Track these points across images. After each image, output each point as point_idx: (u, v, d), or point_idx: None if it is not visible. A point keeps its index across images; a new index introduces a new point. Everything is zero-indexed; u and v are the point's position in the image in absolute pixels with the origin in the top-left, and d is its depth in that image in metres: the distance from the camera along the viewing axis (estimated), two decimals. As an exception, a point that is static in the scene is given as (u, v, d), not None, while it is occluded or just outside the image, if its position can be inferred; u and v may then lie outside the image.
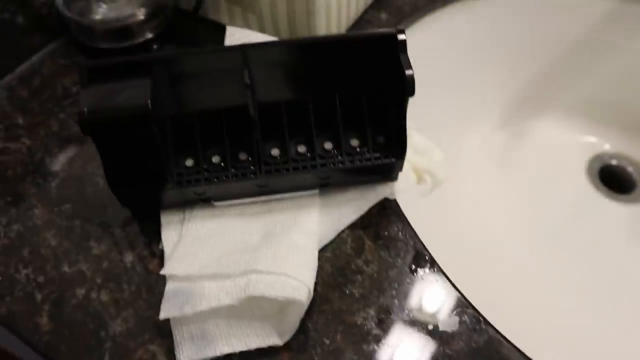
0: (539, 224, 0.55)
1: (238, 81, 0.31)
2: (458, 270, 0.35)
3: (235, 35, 0.37)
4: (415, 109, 0.50)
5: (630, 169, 0.60)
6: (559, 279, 0.51)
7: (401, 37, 0.30)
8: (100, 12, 0.42)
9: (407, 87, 0.29)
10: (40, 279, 0.32)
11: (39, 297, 0.32)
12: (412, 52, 0.50)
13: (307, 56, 0.31)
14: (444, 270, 0.33)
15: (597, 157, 0.61)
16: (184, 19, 0.46)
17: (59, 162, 0.38)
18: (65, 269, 0.33)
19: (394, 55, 0.30)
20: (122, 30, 0.42)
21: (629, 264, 0.52)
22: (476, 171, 0.57)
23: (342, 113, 0.33)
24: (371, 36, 0.30)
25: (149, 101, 0.29)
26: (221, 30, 0.40)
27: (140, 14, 0.42)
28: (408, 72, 0.29)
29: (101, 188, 0.36)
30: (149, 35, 0.44)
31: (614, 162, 0.60)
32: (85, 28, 0.42)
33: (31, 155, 0.38)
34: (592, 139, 0.61)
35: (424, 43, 0.51)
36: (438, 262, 0.33)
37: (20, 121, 0.40)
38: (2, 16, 0.41)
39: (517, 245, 0.52)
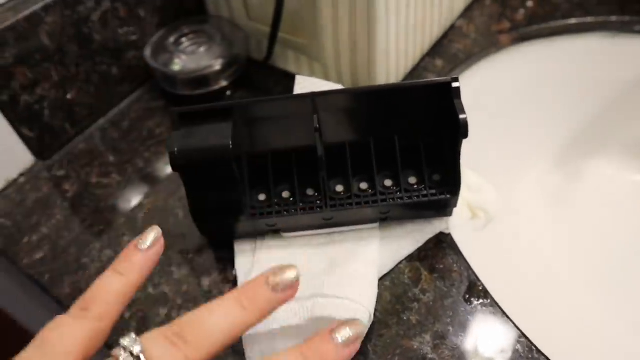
0: (597, 262, 0.55)
1: (308, 125, 0.34)
2: (513, 303, 0.37)
3: (304, 84, 0.41)
4: (471, 149, 0.52)
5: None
6: (618, 318, 0.50)
7: (455, 84, 0.33)
8: (182, 63, 0.47)
9: (461, 130, 0.32)
10: (129, 299, 0.36)
11: (127, 314, 0.36)
12: (466, 95, 0.53)
13: (369, 102, 0.35)
14: (499, 302, 0.35)
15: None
16: (255, 67, 0.51)
17: (144, 196, 0.42)
18: (150, 290, 0.37)
19: (449, 101, 0.33)
20: (200, 79, 0.47)
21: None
22: (532, 210, 0.58)
23: (401, 153, 0.36)
24: (428, 84, 0.33)
25: (230, 142, 0.33)
26: (288, 77, 0.44)
27: (217, 65, 0.47)
28: (462, 116, 0.32)
29: (181, 219, 0.40)
30: (224, 83, 0.48)
31: (672, 201, 0.60)
32: (169, 77, 0.47)
33: (120, 189, 0.43)
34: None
35: (479, 87, 0.54)
36: (495, 294, 0.35)
37: (112, 159, 0.45)
38: (101, 68, 0.47)
39: (574, 282, 0.53)
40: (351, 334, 0.25)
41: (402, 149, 0.36)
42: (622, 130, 0.61)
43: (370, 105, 0.35)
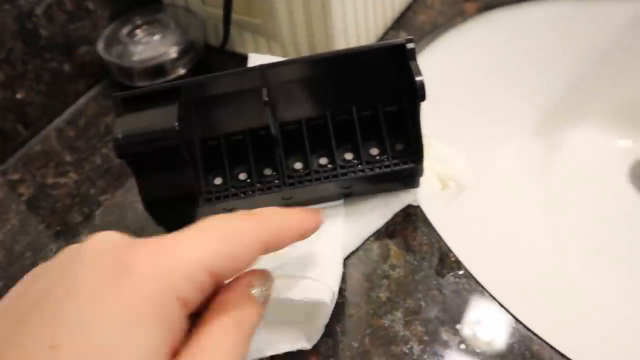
0: (581, 232, 0.54)
1: (259, 101, 0.32)
2: (491, 275, 0.35)
3: (257, 61, 0.39)
4: (446, 121, 0.51)
5: (674, 171, 0.58)
6: (603, 285, 0.49)
7: (410, 45, 0.31)
8: (137, 54, 0.46)
9: (419, 93, 0.30)
10: (86, 298, 0.35)
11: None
12: (435, 67, 0.51)
13: (322, 72, 0.33)
14: (475, 274, 0.33)
15: (639, 162, 0.59)
16: (213, 54, 0.49)
17: (102, 192, 0.41)
18: (109, 288, 0.35)
19: (404, 64, 0.31)
20: (157, 69, 0.46)
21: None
22: (511, 181, 0.56)
23: (360, 124, 0.34)
24: (381, 47, 0.32)
25: (176, 123, 0.31)
26: (247, 60, 0.42)
27: (173, 52, 0.46)
28: (418, 78, 0.30)
29: (139, 212, 0.39)
30: (182, 72, 0.47)
31: (656, 164, 0.59)
32: (124, 69, 0.46)
33: (78, 187, 0.41)
34: (632, 143, 0.60)
35: (447, 59, 0.52)
36: (469, 265, 0.33)
37: (68, 158, 0.44)
38: (51, 65, 0.45)
39: (558, 251, 0.51)
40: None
41: (362, 120, 0.34)
42: (598, 97, 0.59)
43: (323, 74, 0.33)
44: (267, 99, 0.31)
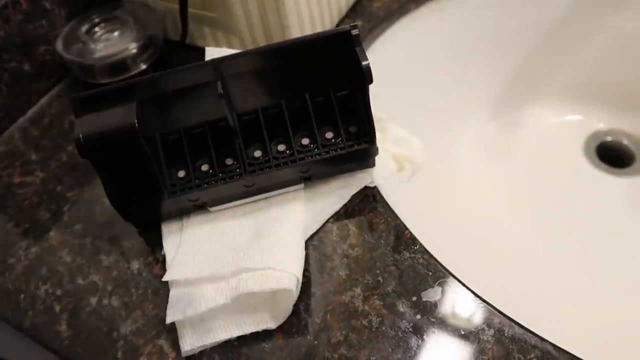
0: (540, 206, 0.56)
1: (215, 94, 0.34)
2: (450, 249, 0.37)
3: (214, 55, 0.40)
4: (405, 105, 0.52)
5: (626, 142, 0.60)
6: (566, 256, 0.51)
7: (354, 32, 0.32)
8: (97, 51, 0.46)
9: (366, 77, 0.32)
10: (58, 292, 0.36)
11: (57, 308, 0.35)
12: (391, 53, 0.52)
13: (273, 62, 0.34)
14: (430, 250, 0.35)
15: (593, 136, 0.61)
16: (174, 48, 0.50)
17: (69, 189, 0.41)
18: (80, 281, 0.36)
19: (351, 50, 0.33)
20: (118, 65, 0.46)
21: (637, 234, 0.53)
22: (472, 161, 0.58)
23: (315, 109, 0.35)
24: (328, 35, 0.33)
25: (135, 120, 0.32)
26: (207, 53, 0.43)
27: (133, 48, 0.46)
28: (364, 62, 0.32)
29: (107, 207, 0.39)
30: (143, 67, 0.47)
31: (609, 138, 0.61)
32: (85, 67, 0.46)
33: (44, 185, 0.42)
34: (584, 119, 0.62)
35: (403, 44, 0.54)
36: (425, 241, 0.35)
37: (34, 157, 0.44)
38: (10, 65, 0.45)
39: (519, 228, 0.53)
40: None
41: (316, 105, 0.36)
42: (550, 75, 0.61)
43: (275, 64, 0.34)
44: (221, 91, 0.32)
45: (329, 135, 0.35)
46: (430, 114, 0.56)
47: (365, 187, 0.38)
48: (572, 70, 0.61)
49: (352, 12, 0.51)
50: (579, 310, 0.46)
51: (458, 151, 0.58)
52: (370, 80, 0.32)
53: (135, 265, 0.36)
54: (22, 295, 0.36)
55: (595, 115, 0.62)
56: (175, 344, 0.32)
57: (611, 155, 0.60)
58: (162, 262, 0.36)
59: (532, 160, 0.60)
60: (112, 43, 0.47)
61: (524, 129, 0.62)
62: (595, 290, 0.48)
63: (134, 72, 0.47)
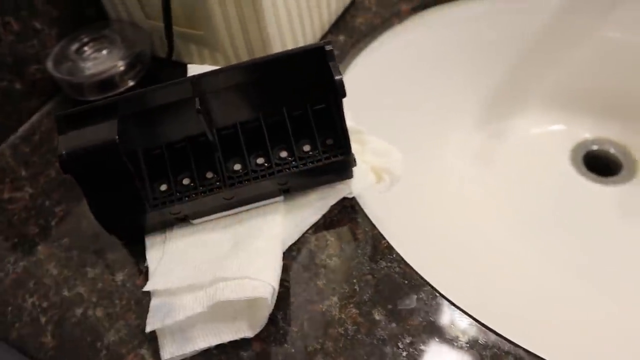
0: (527, 215, 0.56)
1: (193, 110, 0.35)
2: (427, 258, 0.38)
3: (195, 72, 0.41)
4: (390, 119, 0.53)
5: (612, 150, 0.61)
6: (553, 265, 0.52)
7: (328, 47, 0.34)
8: (86, 69, 0.48)
9: (339, 91, 0.33)
10: (44, 304, 0.37)
11: (43, 320, 0.36)
12: (375, 67, 0.54)
13: (250, 77, 0.35)
14: (406, 259, 0.35)
15: (579, 145, 0.62)
16: (162, 65, 0.51)
17: (57, 204, 0.43)
18: (65, 293, 0.37)
19: (325, 65, 0.34)
20: (106, 82, 0.47)
21: (625, 242, 0.53)
22: (457, 171, 0.59)
23: (292, 123, 0.36)
24: (303, 51, 0.34)
25: (116, 136, 0.33)
26: (192, 70, 0.45)
27: (120, 65, 0.47)
28: (337, 77, 0.33)
29: (94, 221, 0.40)
30: (131, 84, 0.49)
31: (595, 147, 0.62)
32: (74, 85, 0.47)
33: (33, 200, 0.43)
34: (569, 128, 0.63)
35: (387, 58, 0.55)
36: (402, 251, 0.36)
37: (24, 173, 0.45)
38: (1, 85, 0.47)
39: (504, 237, 0.54)
40: None
41: (293, 119, 0.36)
42: (534, 85, 0.62)
43: (252, 80, 0.35)
44: (199, 107, 0.34)
45: (307, 148, 0.36)
46: (415, 126, 0.57)
47: (344, 198, 0.38)
48: (557, 81, 0.62)
49: (335, 28, 0.52)
50: (564, 320, 0.46)
51: (443, 162, 0.59)
52: (344, 94, 0.33)
53: (119, 276, 0.37)
54: (10, 308, 0.37)
55: (581, 125, 0.63)
56: (157, 353, 0.33)
57: (598, 163, 0.60)
58: (145, 274, 0.37)
59: (518, 170, 0.61)
60: (100, 61, 0.48)
61: (510, 139, 0.63)
62: (584, 300, 0.49)
63: (122, 89, 0.48)
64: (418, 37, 0.56)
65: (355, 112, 0.41)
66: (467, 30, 0.58)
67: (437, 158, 0.59)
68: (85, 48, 0.50)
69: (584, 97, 0.62)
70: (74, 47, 0.49)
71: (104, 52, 0.49)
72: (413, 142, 0.55)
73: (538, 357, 0.31)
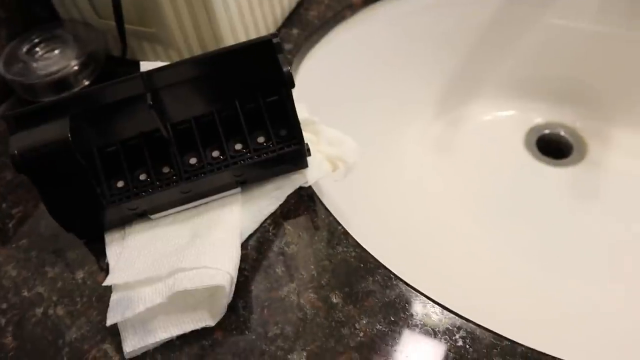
0: (483, 199, 0.58)
1: (146, 106, 0.35)
2: (383, 242, 0.39)
3: (148, 68, 0.41)
4: (348, 110, 0.54)
5: (563, 133, 0.63)
6: (510, 247, 0.53)
7: (275, 40, 0.34)
8: (38, 70, 0.47)
9: (287, 82, 0.34)
10: (4, 305, 0.36)
11: (3, 321, 0.36)
12: (330, 60, 0.54)
13: (201, 72, 0.36)
14: (362, 243, 0.36)
15: (532, 130, 0.64)
16: (116, 64, 0.51)
17: (14, 205, 0.42)
18: (25, 293, 0.37)
19: (274, 57, 0.34)
20: (60, 82, 0.47)
21: (578, 222, 0.55)
22: (416, 159, 0.60)
23: (246, 115, 0.37)
24: (251, 44, 0.35)
25: (68, 134, 0.33)
26: (146, 67, 0.45)
27: (74, 65, 0.47)
28: (285, 68, 0.34)
29: (52, 221, 0.40)
30: (86, 83, 0.48)
31: (547, 131, 0.64)
32: (27, 86, 0.47)
33: (-11, 204, 0.43)
34: (522, 113, 0.65)
35: (342, 51, 0.56)
36: (357, 236, 0.37)
37: (-21, 177, 0.45)
38: (-49, 88, 0.46)
39: (461, 221, 0.55)
40: None
41: (246, 112, 0.37)
42: (490, 72, 0.64)
43: (203, 75, 0.36)
44: (150, 102, 0.34)
45: (261, 139, 0.37)
46: (371, 117, 0.58)
47: (301, 188, 0.39)
48: (508, 68, 0.63)
49: (288, 22, 0.53)
50: (521, 299, 0.48)
51: (402, 150, 0.61)
52: (292, 85, 0.34)
53: (80, 274, 0.37)
54: (-32, 312, 0.37)
55: (533, 110, 0.65)
56: (119, 347, 0.33)
57: (550, 147, 0.62)
58: (106, 270, 0.37)
59: (475, 156, 0.62)
60: (53, 61, 0.48)
61: (466, 127, 0.65)
62: (541, 279, 0.50)
63: (77, 89, 0.48)
64: (371, 29, 0.57)
65: (311, 104, 0.42)
66: (418, 21, 0.60)
67: (395, 147, 0.60)
68: (37, 49, 0.49)
69: (534, 83, 0.64)
70: (25, 47, 0.49)
71: (56, 52, 0.48)
72: (370, 132, 0.57)
73: (488, 330, 0.32)
